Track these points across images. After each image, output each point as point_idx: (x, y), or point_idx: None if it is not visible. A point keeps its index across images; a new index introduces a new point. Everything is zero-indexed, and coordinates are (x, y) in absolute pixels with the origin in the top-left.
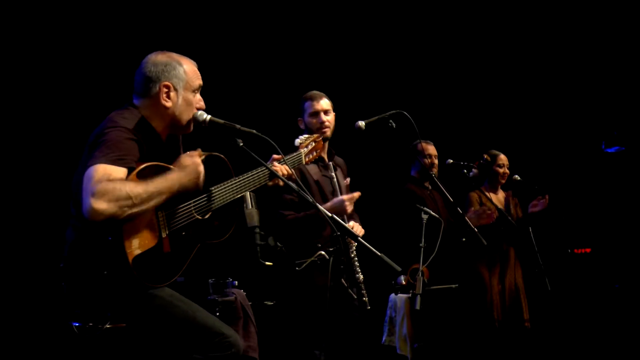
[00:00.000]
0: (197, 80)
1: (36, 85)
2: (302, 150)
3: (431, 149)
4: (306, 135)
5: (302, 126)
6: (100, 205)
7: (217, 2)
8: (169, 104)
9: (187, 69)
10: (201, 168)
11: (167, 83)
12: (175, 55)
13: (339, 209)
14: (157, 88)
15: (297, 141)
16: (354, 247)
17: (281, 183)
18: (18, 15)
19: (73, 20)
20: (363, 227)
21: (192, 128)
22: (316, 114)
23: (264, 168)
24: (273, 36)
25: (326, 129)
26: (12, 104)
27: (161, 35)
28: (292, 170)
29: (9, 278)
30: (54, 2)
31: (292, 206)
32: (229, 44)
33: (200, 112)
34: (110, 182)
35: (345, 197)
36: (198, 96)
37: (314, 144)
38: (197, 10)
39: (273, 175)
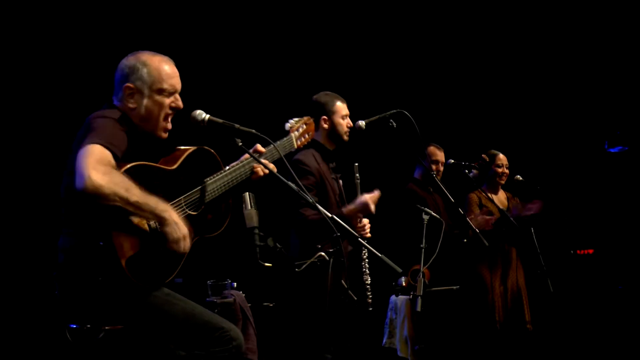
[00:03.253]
0: (168, 82)
1: (35, 88)
2: (292, 134)
3: (440, 155)
4: (296, 119)
5: (326, 125)
6: (99, 178)
7: (217, 2)
8: (132, 105)
9: (154, 70)
10: (179, 240)
11: (129, 85)
12: (144, 56)
13: (365, 210)
14: (122, 91)
15: (288, 125)
16: (365, 251)
17: (262, 173)
18: (10, 16)
19: (65, 21)
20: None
21: (166, 135)
22: (347, 116)
23: (250, 158)
24: (273, 36)
25: (348, 133)
26: (8, 111)
27: (159, 35)
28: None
29: (8, 282)
30: (47, 4)
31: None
32: (229, 43)
33: (199, 111)
34: (118, 172)
35: (368, 197)
36: (174, 97)
37: (305, 126)
38: (197, 10)
39: (260, 163)
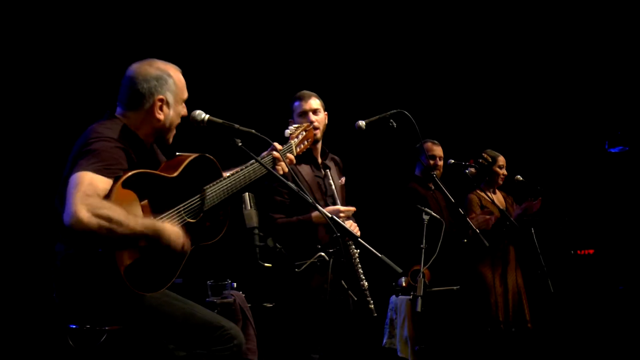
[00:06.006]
0: (185, 91)
1: (35, 90)
2: (292, 141)
3: (437, 150)
4: (296, 125)
5: None
6: (84, 216)
7: (216, 2)
8: (161, 116)
9: (177, 80)
10: (178, 248)
11: (162, 97)
12: (162, 65)
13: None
14: (152, 102)
15: (287, 132)
16: (357, 254)
17: (282, 171)
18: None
19: (66, 24)
20: (365, 228)
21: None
22: (304, 113)
23: (254, 164)
24: (273, 36)
25: (315, 130)
26: (9, 113)
27: (159, 36)
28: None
29: (8, 282)
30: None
31: (283, 209)
32: (229, 43)
33: (198, 111)
34: (101, 200)
35: (342, 208)
36: (183, 106)
37: (304, 133)
38: (197, 11)
39: (269, 171)
